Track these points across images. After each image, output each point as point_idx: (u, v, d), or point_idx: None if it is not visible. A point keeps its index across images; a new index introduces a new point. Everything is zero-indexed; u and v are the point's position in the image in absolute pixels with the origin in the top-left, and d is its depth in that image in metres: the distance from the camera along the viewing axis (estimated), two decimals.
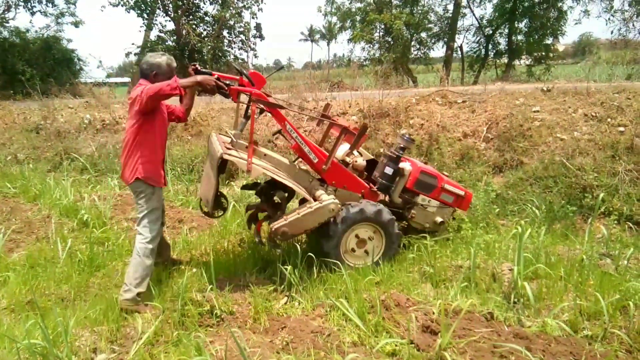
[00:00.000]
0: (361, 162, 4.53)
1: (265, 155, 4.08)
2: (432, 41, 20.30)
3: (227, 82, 3.76)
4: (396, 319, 3.19)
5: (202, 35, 18.46)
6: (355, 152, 4.61)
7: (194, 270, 4.07)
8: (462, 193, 4.58)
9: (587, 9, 18.14)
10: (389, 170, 4.43)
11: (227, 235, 5.04)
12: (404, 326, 3.08)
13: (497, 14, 19.10)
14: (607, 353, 2.83)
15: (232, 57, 19.42)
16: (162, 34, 19.06)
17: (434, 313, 3.20)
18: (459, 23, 19.83)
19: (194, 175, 7.57)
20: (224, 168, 4.15)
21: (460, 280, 3.74)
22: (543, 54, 18.63)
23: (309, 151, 4.10)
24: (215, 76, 3.71)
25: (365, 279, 3.72)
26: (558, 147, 6.45)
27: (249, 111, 3.87)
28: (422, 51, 20.38)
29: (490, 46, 19.79)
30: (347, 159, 4.55)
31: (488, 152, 6.85)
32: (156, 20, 19.06)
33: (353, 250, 4.11)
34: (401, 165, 4.46)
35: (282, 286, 3.74)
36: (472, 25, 20.55)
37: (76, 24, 20.57)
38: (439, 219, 4.49)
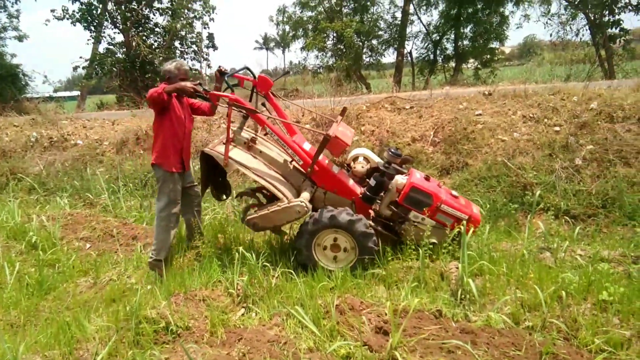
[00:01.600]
0: (360, 168, 4.56)
1: (261, 152, 4.37)
2: (383, 48, 20.85)
3: (206, 88, 4.22)
4: (350, 322, 3.25)
5: (153, 47, 18.19)
6: (360, 158, 4.62)
7: (149, 287, 4.04)
8: (464, 217, 4.21)
9: (527, 14, 19.04)
10: (372, 182, 4.31)
11: (182, 250, 5.00)
12: (358, 329, 3.15)
13: (443, 20, 19.81)
14: (545, 342, 2.97)
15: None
16: (111, 46, 18.66)
17: (386, 314, 3.28)
18: (408, 30, 20.45)
19: (148, 190, 7.42)
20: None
21: (411, 281, 3.83)
22: (489, 57, 19.40)
23: (293, 153, 4.20)
24: (199, 82, 4.22)
25: (320, 284, 3.78)
26: (500, 148, 6.75)
27: (245, 109, 4.21)
28: (374, 58, 20.88)
29: (438, 51, 20.46)
30: (352, 164, 4.63)
31: (435, 155, 7.08)
32: (104, 32, 18.65)
33: (325, 247, 4.16)
34: (396, 178, 4.33)
35: (239, 298, 3.76)
36: (420, 31, 21.31)
37: (20, 39, 19.91)
38: (432, 240, 4.13)
